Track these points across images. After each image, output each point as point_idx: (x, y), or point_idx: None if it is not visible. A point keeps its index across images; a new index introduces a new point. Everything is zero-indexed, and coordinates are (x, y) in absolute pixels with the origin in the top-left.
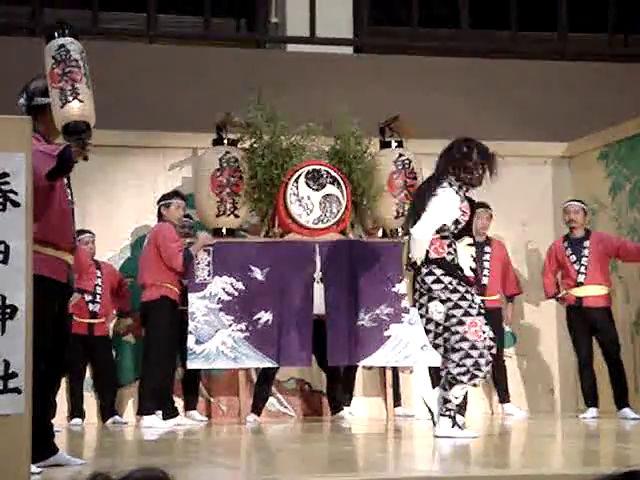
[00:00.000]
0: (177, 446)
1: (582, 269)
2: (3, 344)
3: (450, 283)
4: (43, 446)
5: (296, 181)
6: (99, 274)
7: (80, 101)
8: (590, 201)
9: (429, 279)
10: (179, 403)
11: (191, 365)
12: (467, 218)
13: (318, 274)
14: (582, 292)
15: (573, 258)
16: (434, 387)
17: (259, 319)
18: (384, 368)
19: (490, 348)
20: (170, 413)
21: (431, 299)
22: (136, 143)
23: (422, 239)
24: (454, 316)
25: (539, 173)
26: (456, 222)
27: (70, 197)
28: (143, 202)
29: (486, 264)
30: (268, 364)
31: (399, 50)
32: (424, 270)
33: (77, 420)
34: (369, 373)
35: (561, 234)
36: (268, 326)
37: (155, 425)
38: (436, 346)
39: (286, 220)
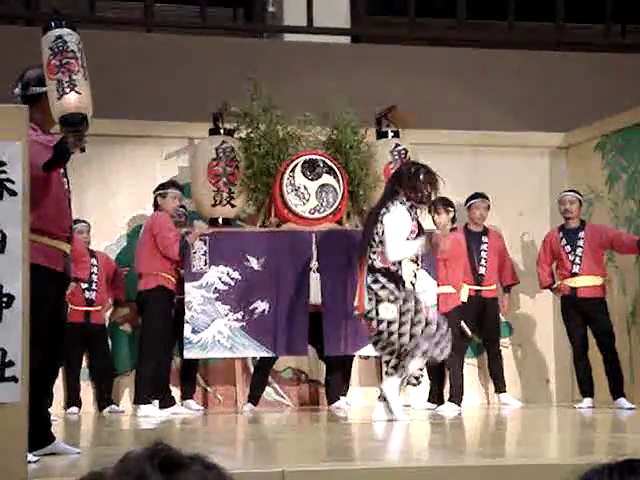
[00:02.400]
0: (173, 435)
1: (577, 260)
2: (0, 333)
3: (394, 289)
4: (40, 435)
5: (292, 171)
6: (94, 263)
7: (77, 93)
8: (587, 192)
9: (375, 286)
10: (176, 392)
11: (187, 354)
12: (414, 237)
13: (314, 264)
14: (576, 282)
15: (568, 248)
16: (431, 378)
17: (255, 309)
18: (380, 357)
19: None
20: (167, 402)
21: (379, 302)
22: (132, 132)
23: (401, 257)
24: (409, 310)
25: (536, 164)
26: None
27: (67, 186)
28: (139, 191)
29: (483, 254)
30: (264, 353)
31: (396, 40)
32: (369, 278)
33: (74, 409)
34: (365, 363)
35: (557, 224)
36: (264, 316)
37: (152, 414)
38: (389, 344)
39: (282, 210)
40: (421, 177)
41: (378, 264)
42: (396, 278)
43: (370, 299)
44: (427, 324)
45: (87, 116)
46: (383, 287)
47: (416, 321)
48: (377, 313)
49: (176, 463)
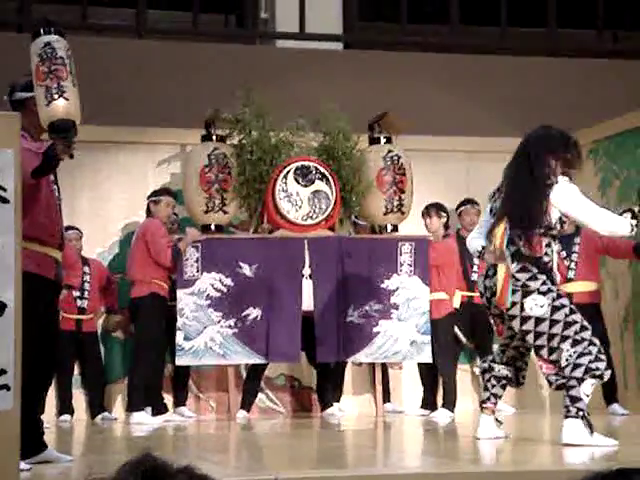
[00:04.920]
0: (166, 442)
1: (572, 265)
2: None
3: (546, 281)
4: (32, 443)
5: (285, 177)
6: (87, 270)
7: (66, 99)
8: None
9: (523, 276)
10: (168, 399)
11: (180, 361)
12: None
13: (307, 270)
14: (571, 288)
15: (563, 254)
16: (424, 384)
17: (248, 315)
18: (373, 364)
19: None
20: (159, 409)
21: (526, 294)
22: (125, 139)
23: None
24: (564, 306)
25: None
26: (560, 220)
27: (57, 193)
28: (132, 198)
29: (475, 260)
30: (257, 360)
31: (388, 46)
32: (515, 266)
33: (66, 416)
34: (358, 369)
35: None
36: (257, 322)
37: (144, 421)
38: (538, 348)
39: (275, 216)
40: None
41: (526, 251)
42: (546, 270)
43: (515, 291)
44: (583, 328)
45: (76, 122)
46: (533, 277)
47: (571, 321)
48: (522, 309)
49: (160, 475)
